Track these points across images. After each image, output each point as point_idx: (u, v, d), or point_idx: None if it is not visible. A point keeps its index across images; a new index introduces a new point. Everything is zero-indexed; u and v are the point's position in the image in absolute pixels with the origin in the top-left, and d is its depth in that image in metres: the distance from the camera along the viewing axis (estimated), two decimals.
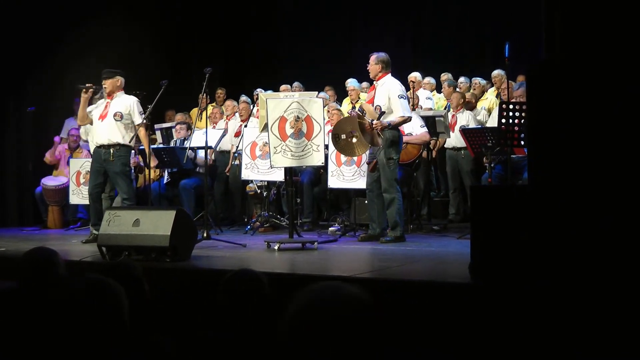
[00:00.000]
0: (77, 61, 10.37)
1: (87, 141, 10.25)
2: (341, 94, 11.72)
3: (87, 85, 8.50)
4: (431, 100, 10.75)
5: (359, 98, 10.77)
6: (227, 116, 11.26)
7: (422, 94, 10.82)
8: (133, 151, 9.05)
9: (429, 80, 11.19)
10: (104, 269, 3.39)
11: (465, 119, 9.74)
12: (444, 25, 13.04)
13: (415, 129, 8.93)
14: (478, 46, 12.69)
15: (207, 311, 3.36)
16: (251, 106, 10.70)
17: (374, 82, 8.04)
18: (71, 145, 10.94)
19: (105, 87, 8.43)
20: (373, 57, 7.98)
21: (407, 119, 7.89)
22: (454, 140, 9.67)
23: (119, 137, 8.31)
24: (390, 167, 7.79)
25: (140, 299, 3.24)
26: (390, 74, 7.98)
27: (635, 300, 4.08)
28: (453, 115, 9.86)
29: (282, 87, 11.25)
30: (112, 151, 8.29)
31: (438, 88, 11.35)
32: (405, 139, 8.58)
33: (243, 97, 11.41)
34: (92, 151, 8.81)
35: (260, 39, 14.21)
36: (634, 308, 4.06)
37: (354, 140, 7.85)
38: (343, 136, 7.91)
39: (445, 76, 11.14)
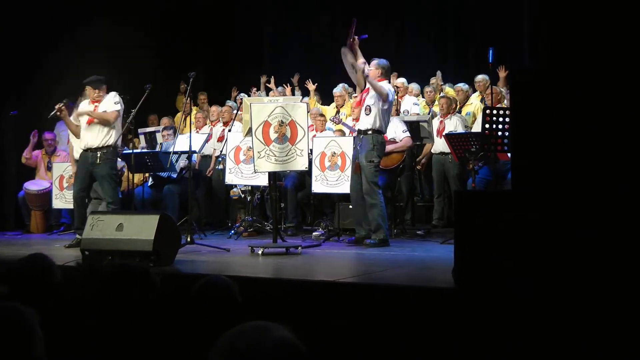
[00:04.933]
0: (60, 66, 10.34)
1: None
2: (325, 99, 11.73)
3: (56, 108, 8.50)
4: (418, 105, 10.78)
5: (344, 103, 10.79)
6: (212, 121, 11.25)
7: (409, 100, 10.85)
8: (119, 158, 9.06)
9: (414, 86, 11.21)
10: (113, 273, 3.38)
11: (453, 124, 9.73)
12: (427, 31, 13.09)
13: (398, 135, 8.96)
14: (461, 52, 12.73)
15: (180, 319, 3.35)
16: (235, 111, 10.72)
17: (369, 85, 8.04)
18: (47, 149, 10.89)
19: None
20: (374, 62, 8.02)
21: (384, 93, 7.89)
22: (441, 145, 9.67)
23: (106, 138, 8.31)
24: (371, 171, 7.81)
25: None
26: (387, 81, 8.05)
27: (620, 303, 4.10)
28: (441, 121, 9.86)
29: (272, 92, 11.32)
30: (99, 154, 8.28)
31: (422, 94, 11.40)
32: (389, 147, 8.60)
33: (229, 103, 11.43)
34: (77, 155, 8.76)
35: (244, 44, 14.23)
36: (619, 311, 4.08)
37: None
38: (349, 56, 7.91)
39: (434, 80, 11.20)
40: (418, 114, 10.30)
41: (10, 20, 10.75)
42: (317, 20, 13.61)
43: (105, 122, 8.34)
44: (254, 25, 14.36)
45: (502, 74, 10.35)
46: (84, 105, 8.54)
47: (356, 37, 7.89)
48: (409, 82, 11.16)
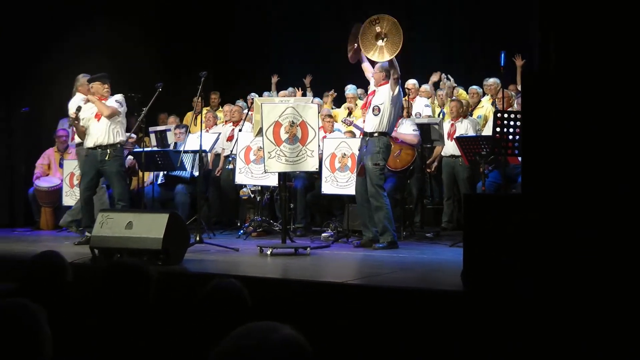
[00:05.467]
0: (70, 63, 10.36)
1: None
2: (337, 99, 11.73)
3: (73, 118, 8.63)
4: (429, 107, 10.75)
5: (356, 105, 10.75)
6: (225, 121, 11.24)
7: (420, 101, 10.80)
8: (127, 153, 9.11)
9: (426, 87, 11.17)
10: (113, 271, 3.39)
11: (464, 127, 9.71)
12: (435, 31, 13.05)
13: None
14: (469, 54, 12.69)
15: (187, 322, 3.33)
16: (245, 110, 10.72)
17: (375, 88, 8.03)
18: (59, 147, 10.90)
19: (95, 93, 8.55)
20: (378, 66, 7.97)
21: (398, 89, 7.88)
22: (451, 148, 9.65)
23: (115, 135, 8.37)
24: (376, 173, 7.79)
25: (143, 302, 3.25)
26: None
27: (628, 306, 4.09)
28: (452, 125, 9.84)
29: (281, 92, 11.31)
30: (109, 151, 8.34)
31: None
32: (395, 134, 8.55)
33: (239, 103, 11.42)
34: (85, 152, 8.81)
35: (253, 43, 14.24)
36: (627, 314, 4.07)
37: (380, 42, 7.65)
38: (377, 28, 7.66)
39: (441, 84, 11.17)
40: (430, 116, 10.27)
41: (11, 20, 10.79)
42: (326, 23, 13.59)
43: (102, 110, 8.39)
44: (257, 26, 14.35)
45: (519, 62, 10.35)
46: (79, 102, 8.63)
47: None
48: (420, 84, 11.12)
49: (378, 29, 7.64)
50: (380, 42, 7.65)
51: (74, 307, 3.51)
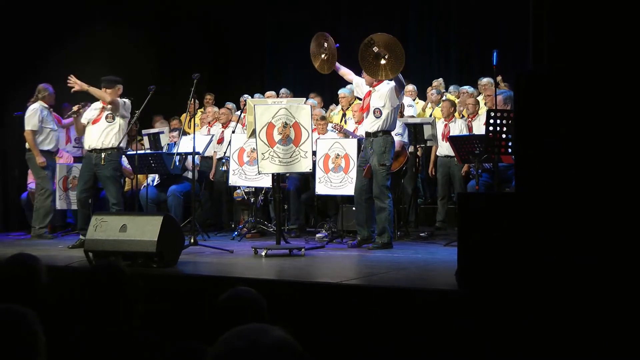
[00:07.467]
0: (63, 66, 10.33)
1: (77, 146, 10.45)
2: (327, 101, 11.73)
3: (74, 110, 8.85)
4: (413, 107, 10.72)
5: (349, 105, 10.71)
6: (209, 122, 11.22)
7: (405, 100, 10.78)
8: (123, 157, 9.15)
9: (412, 87, 11.16)
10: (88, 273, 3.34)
11: (458, 128, 9.72)
12: (430, 32, 13.07)
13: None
14: (463, 54, 12.71)
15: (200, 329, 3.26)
16: (237, 112, 10.71)
17: (370, 88, 8.01)
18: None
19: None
20: None
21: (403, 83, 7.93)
22: (446, 148, 9.65)
23: (110, 140, 8.43)
24: (382, 174, 7.79)
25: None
26: (386, 82, 7.94)
27: (623, 306, 4.10)
28: (445, 125, 9.85)
29: (267, 93, 11.28)
30: (103, 155, 8.43)
31: (420, 95, 11.36)
32: None
33: (229, 105, 11.40)
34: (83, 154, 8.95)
35: (246, 45, 14.25)
36: (622, 314, 4.08)
37: (382, 61, 7.59)
38: (375, 48, 7.59)
39: (436, 82, 11.17)
40: (413, 116, 10.25)
41: (11, 21, 10.76)
42: (319, 23, 13.60)
43: (104, 97, 8.55)
44: (254, 29, 14.36)
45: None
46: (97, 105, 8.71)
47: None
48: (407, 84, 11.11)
49: (375, 49, 7.59)
50: (382, 61, 7.62)
51: (52, 309, 3.46)
